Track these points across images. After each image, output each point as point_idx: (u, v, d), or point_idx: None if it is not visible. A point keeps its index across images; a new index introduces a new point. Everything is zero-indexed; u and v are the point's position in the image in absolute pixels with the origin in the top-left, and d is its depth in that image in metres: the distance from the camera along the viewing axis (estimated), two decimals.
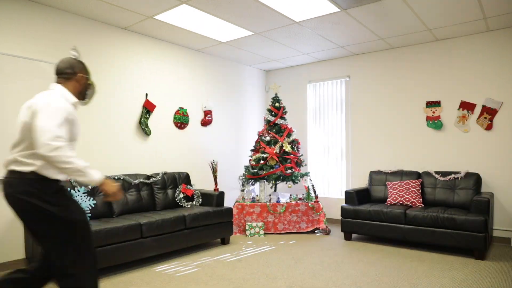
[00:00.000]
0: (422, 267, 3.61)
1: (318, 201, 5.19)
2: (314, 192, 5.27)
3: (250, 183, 5.43)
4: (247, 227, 4.94)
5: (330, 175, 6.08)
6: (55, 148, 1.84)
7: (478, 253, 3.85)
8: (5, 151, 3.48)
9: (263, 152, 5.32)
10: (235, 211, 5.08)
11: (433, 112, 5.02)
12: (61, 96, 2.07)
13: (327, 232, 5.11)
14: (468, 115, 4.76)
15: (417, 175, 4.87)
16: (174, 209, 4.40)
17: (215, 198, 4.57)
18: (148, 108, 4.73)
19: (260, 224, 4.93)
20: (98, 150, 4.27)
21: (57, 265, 1.98)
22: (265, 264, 3.73)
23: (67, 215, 1.98)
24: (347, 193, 4.86)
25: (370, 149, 5.57)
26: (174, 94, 5.15)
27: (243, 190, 5.36)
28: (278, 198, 5.29)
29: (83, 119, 4.13)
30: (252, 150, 5.55)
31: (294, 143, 5.45)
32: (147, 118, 4.75)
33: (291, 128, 5.50)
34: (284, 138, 5.34)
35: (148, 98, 4.78)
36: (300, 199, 5.28)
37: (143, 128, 4.68)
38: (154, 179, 4.46)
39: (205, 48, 5.42)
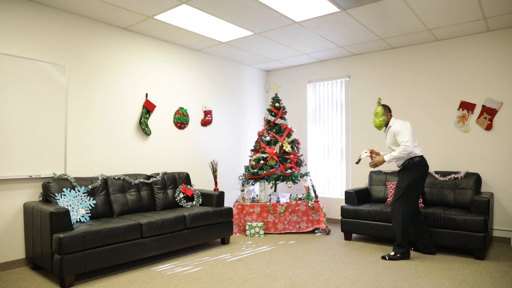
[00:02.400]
0: (422, 267, 3.61)
1: (318, 201, 5.19)
2: (314, 192, 5.26)
3: (250, 183, 5.43)
4: (247, 227, 4.94)
5: (330, 175, 6.08)
6: None
7: (478, 253, 3.85)
8: (5, 151, 3.49)
9: (263, 152, 5.32)
10: (235, 211, 5.08)
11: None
12: None
13: (327, 232, 5.11)
14: (468, 115, 4.76)
15: None
16: (174, 209, 4.40)
17: (215, 198, 4.57)
18: (148, 108, 4.73)
19: (260, 224, 4.94)
20: (98, 150, 4.27)
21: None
22: (265, 264, 3.74)
23: None
24: (347, 193, 4.86)
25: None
26: (174, 94, 5.15)
27: (243, 190, 5.36)
28: (278, 198, 5.29)
29: (84, 119, 4.14)
30: (252, 150, 5.55)
31: (294, 143, 5.45)
32: (147, 118, 4.75)
33: (291, 128, 5.50)
34: (284, 138, 5.34)
35: (148, 98, 4.78)
36: (300, 199, 5.28)
37: (143, 128, 4.68)
38: (154, 179, 4.46)
39: (205, 48, 5.42)
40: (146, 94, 4.77)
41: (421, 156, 3.90)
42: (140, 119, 4.68)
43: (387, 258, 3.87)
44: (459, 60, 4.85)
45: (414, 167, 3.86)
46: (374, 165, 3.98)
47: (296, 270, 3.54)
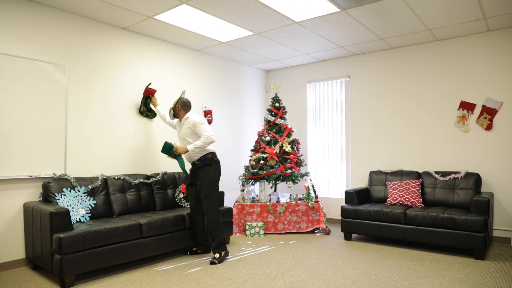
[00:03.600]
0: (422, 267, 3.61)
1: (318, 201, 5.19)
2: (314, 192, 5.27)
3: (250, 183, 5.43)
4: (247, 227, 4.94)
5: (330, 175, 6.08)
6: None
7: (478, 253, 3.85)
8: (5, 150, 3.48)
9: (263, 152, 5.32)
10: (235, 211, 5.08)
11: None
12: None
13: (327, 232, 5.11)
14: (468, 115, 4.76)
15: (417, 175, 4.87)
16: (174, 209, 4.40)
17: None
18: (148, 95, 4.66)
19: (260, 224, 4.94)
20: (98, 150, 4.26)
21: None
22: (265, 264, 3.74)
23: None
24: (347, 193, 4.87)
25: (370, 149, 5.58)
26: (174, 94, 5.15)
27: (243, 190, 5.36)
28: (278, 198, 5.29)
29: (83, 119, 4.14)
30: (252, 150, 5.55)
31: (294, 143, 5.45)
32: (148, 104, 4.72)
33: (291, 128, 5.50)
34: (284, 138, 5.34)
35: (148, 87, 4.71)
36: (300, 199, 5.28)
37: (146, 114, 4.68)
38: (154, 179, 4.46)
39: (205, 48, 5.42)
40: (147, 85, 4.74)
41: (213, 152, 4.02)
42: (140, 108, 4.66)
43: (217, 262, 3.72)
44: (459, 60, 4.85)
45: (212, 162, 3.93)
46: (177, 152, 3.87)
47: (296, 270, 3.54)
